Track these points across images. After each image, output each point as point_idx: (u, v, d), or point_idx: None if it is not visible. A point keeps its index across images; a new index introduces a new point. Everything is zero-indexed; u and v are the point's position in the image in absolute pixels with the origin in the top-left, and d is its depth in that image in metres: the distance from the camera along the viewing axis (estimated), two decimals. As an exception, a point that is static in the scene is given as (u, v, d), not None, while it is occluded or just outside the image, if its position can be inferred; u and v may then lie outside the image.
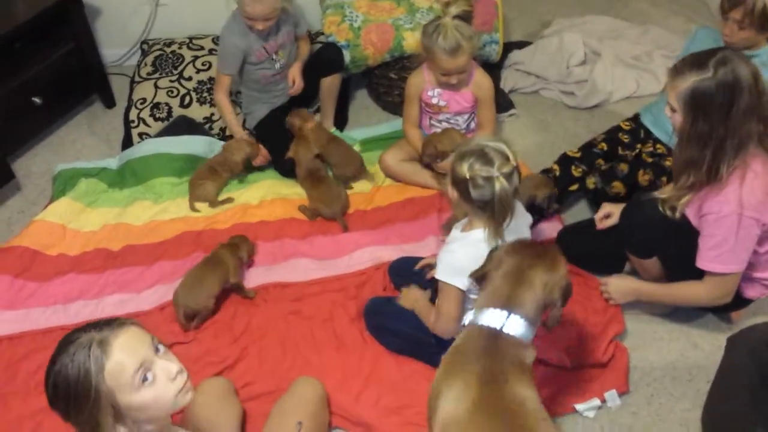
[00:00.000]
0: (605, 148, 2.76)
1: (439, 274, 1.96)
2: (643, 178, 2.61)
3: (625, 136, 2.79)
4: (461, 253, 1.93)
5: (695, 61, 1.93)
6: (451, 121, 2.81)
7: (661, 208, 2.10)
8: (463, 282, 1.91)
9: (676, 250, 2.15)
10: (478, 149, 1.85)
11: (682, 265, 2.14)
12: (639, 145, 2.76)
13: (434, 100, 2.74)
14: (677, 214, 2.07)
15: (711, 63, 1.88)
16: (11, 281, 2.53)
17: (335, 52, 3.07)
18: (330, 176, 2.89)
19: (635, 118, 2.86)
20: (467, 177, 1.83)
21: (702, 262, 2.05)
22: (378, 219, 2.75)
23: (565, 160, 2.76)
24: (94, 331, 1.38)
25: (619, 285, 2.33)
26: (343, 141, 3.01)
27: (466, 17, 2.50)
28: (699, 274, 2.10)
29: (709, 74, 1.88)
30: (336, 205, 2.75)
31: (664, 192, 2.32)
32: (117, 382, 1.36)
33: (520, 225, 2.04)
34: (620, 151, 2.75)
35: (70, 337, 1.38)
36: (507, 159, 1.83)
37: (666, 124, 2.68)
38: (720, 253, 2.00)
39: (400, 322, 2.22)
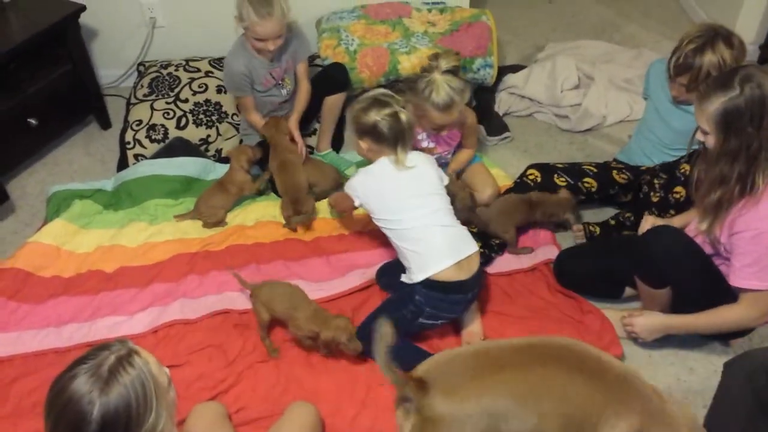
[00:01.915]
0: (595, 170, 2.78)
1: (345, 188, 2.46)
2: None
3: (620, 164, 2.80)
4: (354, 178, 2.44)
5: (720, 83, 1.97)
6: (440, 160, 2.83)
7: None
8: (351, 194, 2.43)
9: (692, 281, 2.16)
10: (372, 99, 2.34)
11: (697, 297, 2.16)
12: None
13: (423, 144, 2.75)
14: (710, 239, 2.09)
15: (736, 81, 1.92)
16: (4, 303, 2.51)
17: (341, 71, 3.08)
18: (300, 169, 2.88)
19: (615, 161, 2.90)
20: (377, 120, 2.28)
21: (739, 281, 2.05)
22: (374, 241, 2.75)
23: (547, 168, 2.77)
24: (108, 352, 1.34)
25: (647, 323, 2.28)
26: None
27: (454, 71, 2.48)
28: (714, 304, 2.11)
29: (737, 92, 1.92)
30: (292, 192, 2.78)
31: (673, 222, 2.34)
32: (161, 384, 1.37)
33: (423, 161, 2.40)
34: (615, 175, 2.76)
35: (99, 370, 1.31)
36: (395, 96, 2.34)
37: (634, 158, 2.75)
38: (759, 269, 2.00)
39: (381, 313, 2.24)
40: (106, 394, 1.28)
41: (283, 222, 2.84)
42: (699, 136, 2.06)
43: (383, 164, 2.35)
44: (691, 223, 2.26)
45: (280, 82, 2.95)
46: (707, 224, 2.10)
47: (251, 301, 2.39)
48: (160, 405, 1.35)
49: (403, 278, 2.32)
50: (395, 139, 2.29)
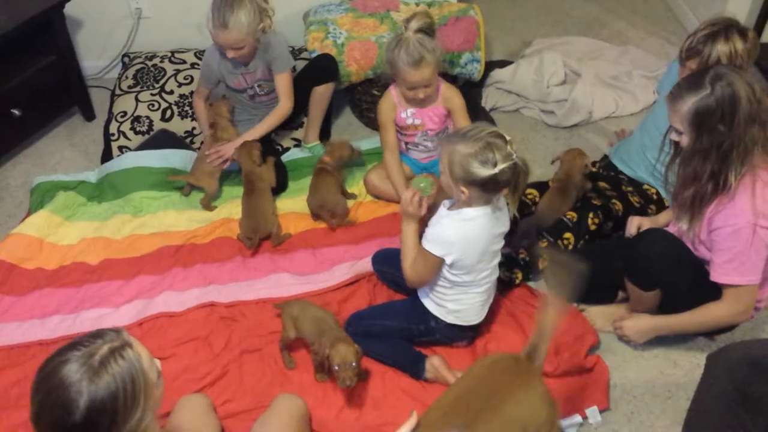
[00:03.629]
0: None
1: (425, 242, 2.08)
2: (592, 221, 2.55)
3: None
4: (451, 228, 2.04)
5: (691, 83, 1.98)
6: (427, 141, 2.82)
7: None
8: (443, 252, 2.04)
9: (683, 284, 2.17)
10: (483, 144, 1.89)
11: (686, 299, 2.17)
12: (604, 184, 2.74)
13: (408, 121, 2.75)
14: (691, 238, 2.11)
15: (707, 80, 1.94)
16: (-13, 295, 2.49)
17: (330, 61, 3.06)
18: (265, 194, 2.77)
19: (603, 158, 2.89)
20: (497, 172, 1.89)
21: (720, 276, 2.06)
22: (361, 234, 2.75)
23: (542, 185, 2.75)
24: (101, 342, 1.33)
25: (636, 325, 2.29)
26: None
27: (427, 30, 2.53)
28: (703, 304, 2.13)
29: (707, 91, 1.93)
30: (247, 223, 2.68)
31: (658, 221, 2.35)
32: (150, 380, 1.37)
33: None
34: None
35: (90, 360, 1.30)
36: (501, 134, 1.92)
37: (633, 164, 2.72)
38: (739, 264, 2.01)
39: (385, 317, 2.29)
40: (95, 384, 1.28)
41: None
42: (673, 136, 2.07)
43: (483, 213, 2.02)
44: (672, 223, 2.28)
45: (253, 85, 2.94)
46: (686, 223, 2.12)
47: (281, 315, 2.32)
48: (147, 402, 1.35)
49: (427, 303, 2.24)
50: (506, 186, 1.96)
